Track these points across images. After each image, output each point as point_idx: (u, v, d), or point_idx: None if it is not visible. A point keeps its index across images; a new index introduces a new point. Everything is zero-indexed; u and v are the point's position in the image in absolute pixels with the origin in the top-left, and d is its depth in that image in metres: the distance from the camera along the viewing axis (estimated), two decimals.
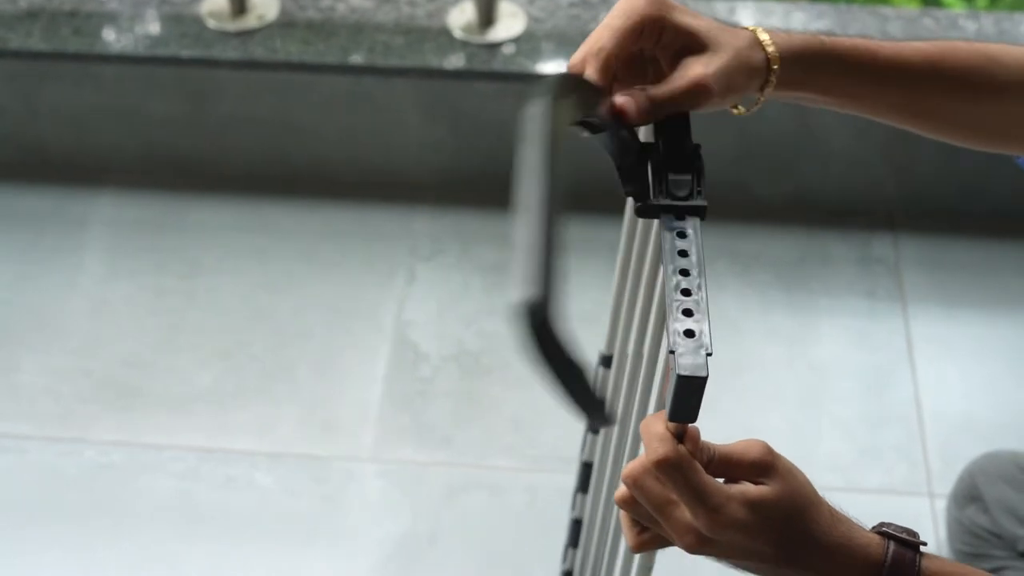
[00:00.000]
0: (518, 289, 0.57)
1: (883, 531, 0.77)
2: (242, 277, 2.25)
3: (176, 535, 1.89)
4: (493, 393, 2.07)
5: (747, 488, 0.72)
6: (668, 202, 0.75)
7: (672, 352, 0.68)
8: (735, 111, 0.84)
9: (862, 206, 2.34)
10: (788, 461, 0.75)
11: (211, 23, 2.24)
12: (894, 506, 1.91)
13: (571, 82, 0.73)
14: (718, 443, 0.74)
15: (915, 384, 2.07)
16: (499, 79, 2.21)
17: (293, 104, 2.33)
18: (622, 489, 0.75)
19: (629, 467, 0.73)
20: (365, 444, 2.00)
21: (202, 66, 2.23)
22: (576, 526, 1.31)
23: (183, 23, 2.26)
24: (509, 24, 2.23)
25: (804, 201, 2.35)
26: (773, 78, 0.81)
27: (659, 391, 0.85)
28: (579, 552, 1.27)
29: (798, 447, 1.99)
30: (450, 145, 2.36)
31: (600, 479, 1.11)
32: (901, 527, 0.77)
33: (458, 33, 2.22)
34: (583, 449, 1.24)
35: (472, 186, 2.37)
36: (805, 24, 2.26)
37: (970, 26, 2.27)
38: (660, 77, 0.79)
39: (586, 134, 0.76)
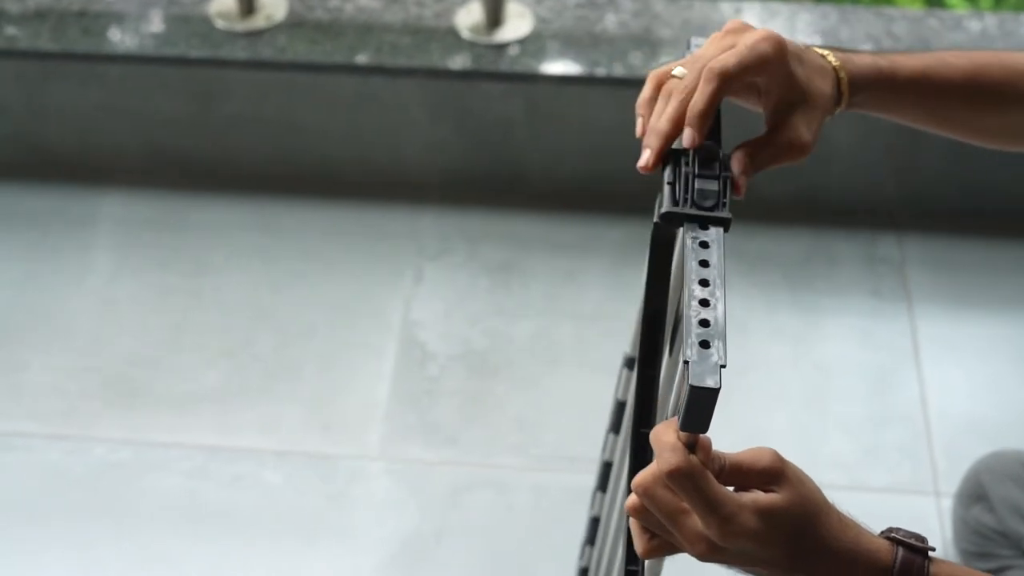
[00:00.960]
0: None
1: (891, 536, 0.77)
2: (248, 276, 2.25)
3: (183, 533, 1.89)
4: (499, 392, 2.07)
5: (758, 496, 0.73)
6: (693, 211, 0.75)
7: (686, 363, 0.68)
8: None
9: (867, 206, 2.35)
10: (798, 468, 0.76)
11: (219, 23, 2.25)
12: (899, 505, 1.91)
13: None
14: (727, 452, 0.75)
15: (920, 383, 2.08)
16: (506, 79, 2.22)
17: (300, 104, 2.34)
18: (632, 497, 0.75)
19: (640, 476, 0.73)
20: (372, 443, 2.00)
21: (210, 66, 2.24)
22: (594, 524, 1.32)
23: (191, 23, 2.26)
24: (516, 25, 2.24)
25: (809, 201, 2.35)
26: (839, 111, 0.87)
27: (675, 397, 0.85)
28: (595, 550, 1.28)
29: (803, 446, 1.99)
30: (457, 145, 2.36)
31: (618, 479, 1.12)
32: (909, 532, 0.77)
33: (465, 33, 2.23)
34: (604, 449, 1.25)
35: (479, 186, 2.38)
36: (810, 24, 2.27)
37: (974, 26, 2.27)
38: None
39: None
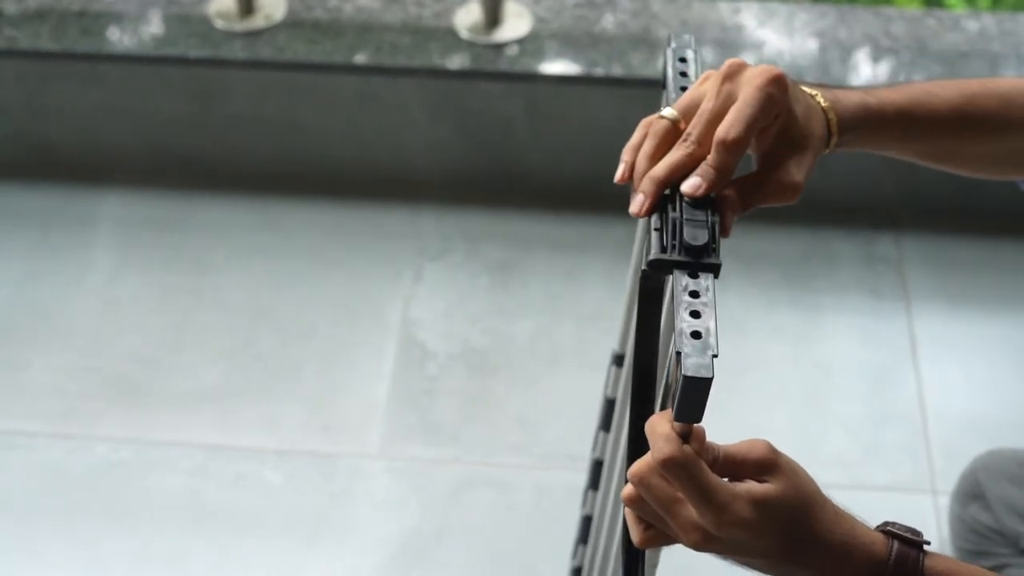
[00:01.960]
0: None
1: (887, 530, 0.78)
2: (249, 275, 2.26)
3: (184, 531, 1.90)
4: (500, 391, 2.08)
5: (752, 486, 0.73)
6: (682, 258, 0.74)
7: (678, 353, 0.69)
8: None
9: (866, 204, 2.35)
10: (791, 459, 0.76)
11: (219, 23, 2.25)
12: (897, 503, 1.92)
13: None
14: (721, 443, 0.75)
15: (919, 382, 2.08)
16: (505, 79, 2.23)
17: (300, 104, 2.34)
18: (628, 487, 0.75)
19: (635, 466, 0.74)
20: (372, 441, 2.01)
21: (209, 66, 2.25)
22: (587, 523, 1.32)
23: (191, 23, 2.27)
24: (515, 24, 2.24)
25: (808, 200, 2.33)
26: (827, 152, 0.87)
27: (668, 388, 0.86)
28: (588, 548, 1.28)
29: (802, 445, 2.00)
30: (456, 144, 2.37)
31: (610, 476, 1.12)
32: (905, 526, 0.78)
33: (464, 33, 2.23)
34: (595, 447, 1.25)
35: (478, 185, 2.38)
36: (808, 24, 2.27)
37: (972, 26, 2.28)
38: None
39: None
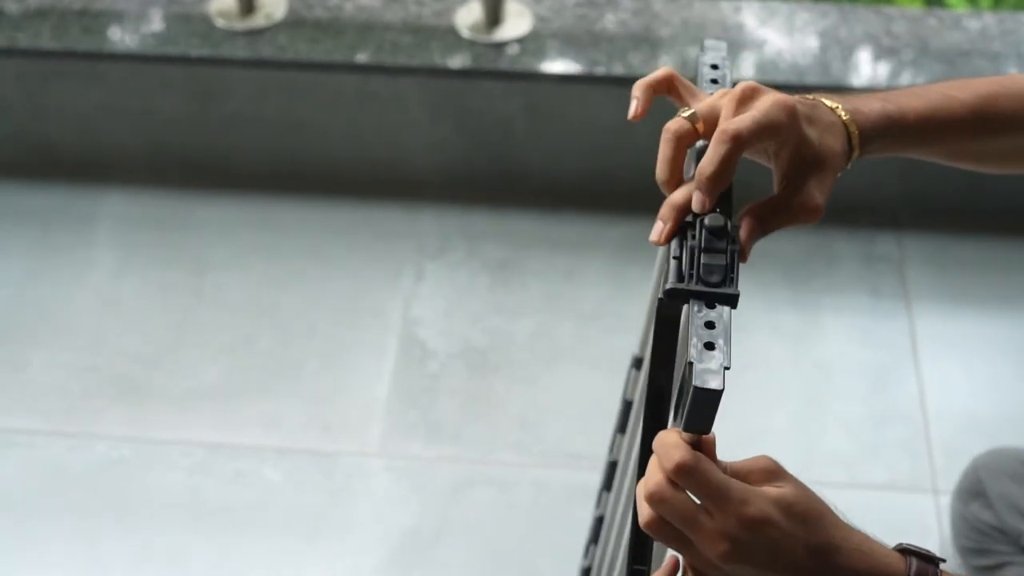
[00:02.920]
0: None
1: (902, 548, 0.77)
2: (249, 274, 2.26)
3: (184, 529, 1.90)
4: (500, 390, 2.08)
5: (768, 488, 0.73)
6: (700, 288, 0.73)
7: (690, 363, 0.68)
8: None
9: (866, 204, 2.35)
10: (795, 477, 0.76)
11: (219, 22, 2.25)
12: (898, 502, 1.92)
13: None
14: (725, 459, 0.74)
15: (919, 381, 2.08)
16: (506, 78, 2.23)
17: (300, 103, 2.34)
18: (647, 513, 0.73)
19: (648, 487, 0.72)
20: (373, 440, 2.01)
21: (210, 65, 2.25)
22: (599, 524, 1.32)
23: (191, 22, 2.27)
24: (516, 23, 2.24)
25: None
26: (849, 165, 0.86)
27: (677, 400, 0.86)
28: (599, 549, 1.28)
29: (803, 444, 2.00)
30: (457, 143, 2.37)
31: (622, 478, 1.12)
32: (917, 546, 0.77)
33: (465, 32, 2.23)
34: (611, 449, 1.25)
35: (479, 184, 2.38)
36: (809, 24, 2.27)
37: (973, 25, 2.28)
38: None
39: None
